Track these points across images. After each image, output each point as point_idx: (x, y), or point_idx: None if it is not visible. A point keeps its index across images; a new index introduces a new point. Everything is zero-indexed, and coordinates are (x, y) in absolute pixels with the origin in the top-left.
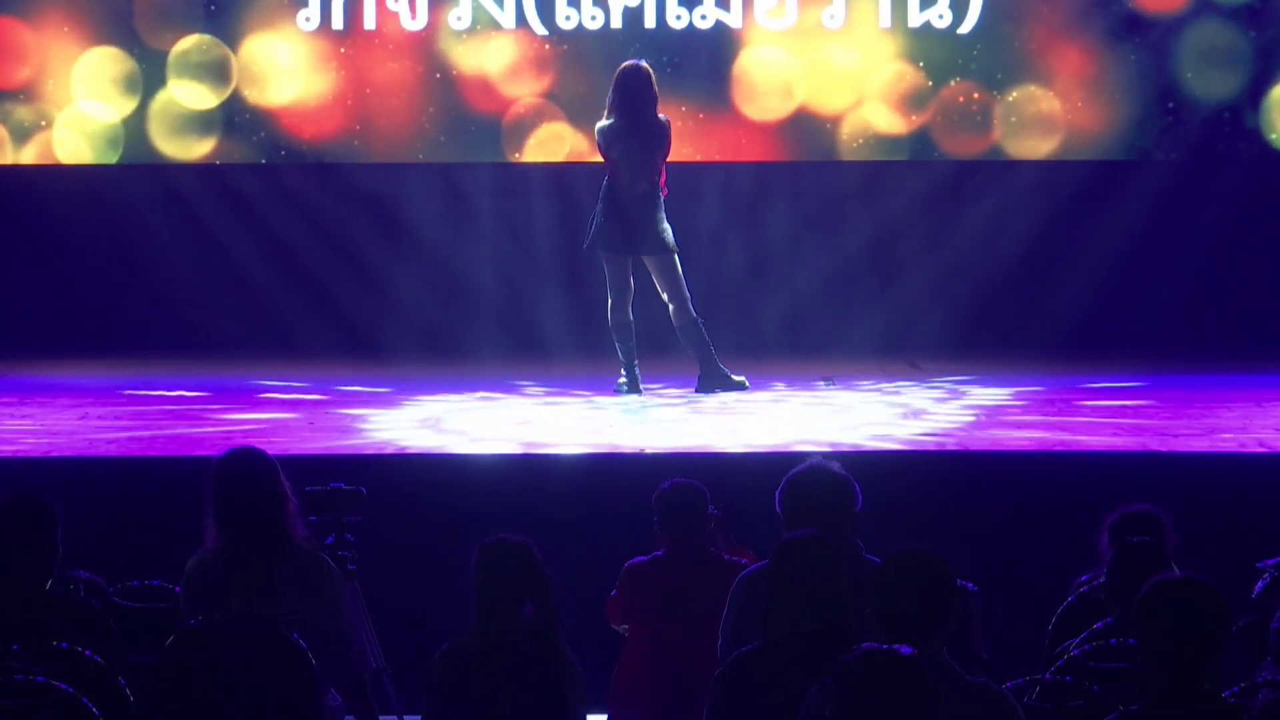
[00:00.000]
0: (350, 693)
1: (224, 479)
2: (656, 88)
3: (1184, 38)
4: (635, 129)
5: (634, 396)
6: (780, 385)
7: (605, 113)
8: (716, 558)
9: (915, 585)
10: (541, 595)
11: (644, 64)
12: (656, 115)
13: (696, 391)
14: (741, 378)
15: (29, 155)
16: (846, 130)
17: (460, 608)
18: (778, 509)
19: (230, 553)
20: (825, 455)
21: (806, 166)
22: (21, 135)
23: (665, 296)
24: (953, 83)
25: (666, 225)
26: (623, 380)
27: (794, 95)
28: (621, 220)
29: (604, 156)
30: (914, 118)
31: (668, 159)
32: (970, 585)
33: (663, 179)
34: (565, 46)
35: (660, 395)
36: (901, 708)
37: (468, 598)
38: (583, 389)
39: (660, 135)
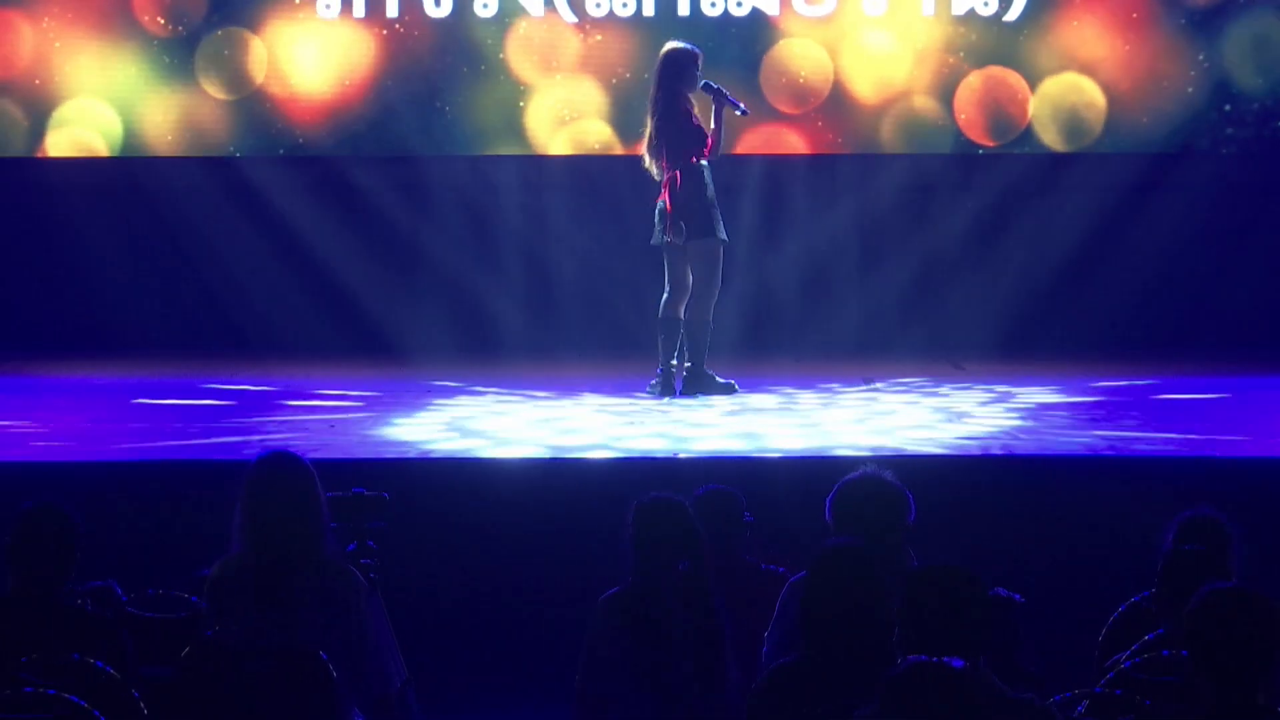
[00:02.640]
0: (375, 711)
1: (257, 484)
2: (682, 71)
3: (1236, 28)
4: (653, 116)
5: (666, 399)
6: (819, 387)
7: None
8: (753, 566)
9: (943, 603)
10: (696, 550)
11: (677, 46)
12: (661, 100)
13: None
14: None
15: (39, 148)
16: (886, 123)
17: (483, 611)
18: (827, 517)
19: (257, 560)
20: (879, 463)
21: (844, 160)
22: (30, 128)
23: (667, 280)
24: (997, 73)
25: (697, 215)
26: (655, 382)
27: (832, 86)
28: (672, 212)
29: None
30: (956, 109)
31: (702, 134)
32: (1016, 596)
33: (706, 151)
34: (597, 36)
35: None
36: None
37: (624, 552)
38: (611, 390)
39: (664, 121)
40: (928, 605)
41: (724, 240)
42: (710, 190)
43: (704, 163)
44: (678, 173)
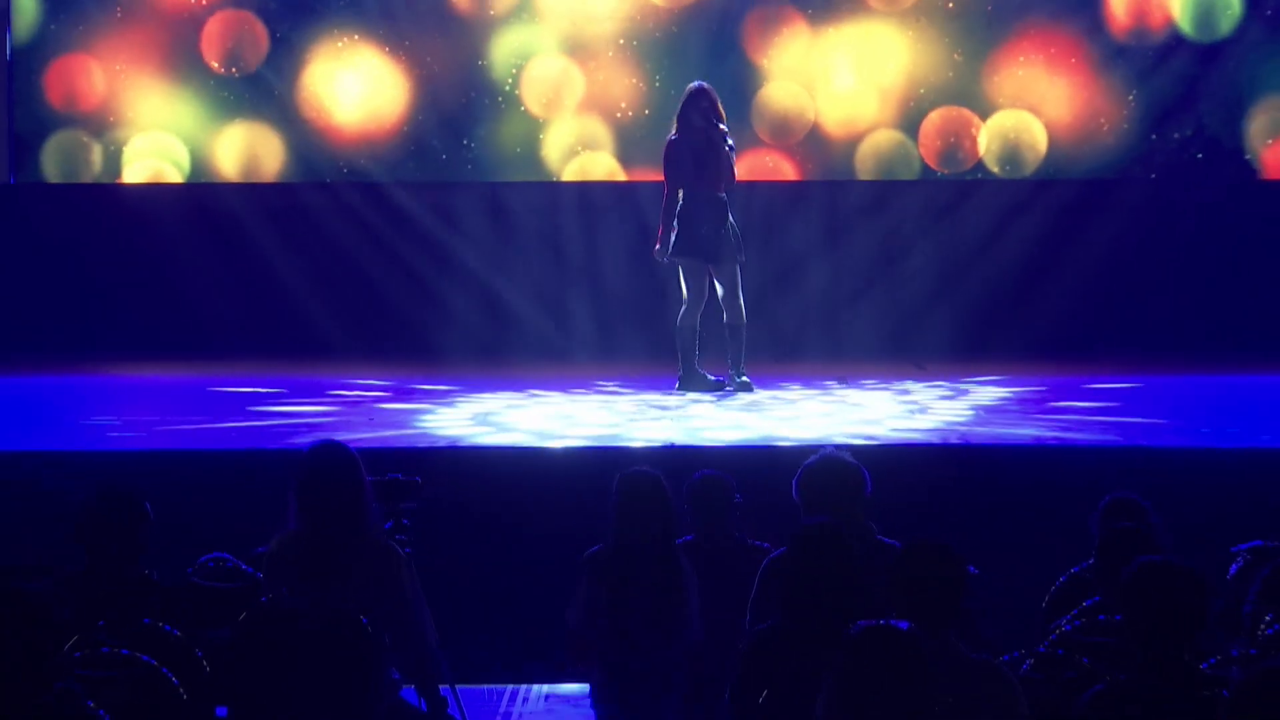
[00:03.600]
0: (412, 668)
1: (308, 468)
2: (691, 104)
3: (1160, 69)
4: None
5: (678, 395)
6: (797, 385)
7: None
8: (742, 542)
9: (932, 578)
10: (667, 517)
11: (694, 84)
12: (673, 129)
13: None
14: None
15: (116, 176)
16: (854, 151)
17: (502, 581)
18: (795, 496)
19: (309, 537)
20: (837, 447)
21: (817, 186)
22: (106, 158)
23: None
24: (952, 108)
25: (678, 235)
26: (725, 384)
27: (808, 120)
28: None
29: None
30: (920, 140)
31: (694, 164)
32: (971, 568)
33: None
34: (604, 74)
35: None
36: (899, 681)
37: (605, 517)
38: (620, 388)
39: (666, 148)
40: (915, 576)
41: (704, 261)
42: (704, 216)
43: (706, 191)
44: (677, 194)
